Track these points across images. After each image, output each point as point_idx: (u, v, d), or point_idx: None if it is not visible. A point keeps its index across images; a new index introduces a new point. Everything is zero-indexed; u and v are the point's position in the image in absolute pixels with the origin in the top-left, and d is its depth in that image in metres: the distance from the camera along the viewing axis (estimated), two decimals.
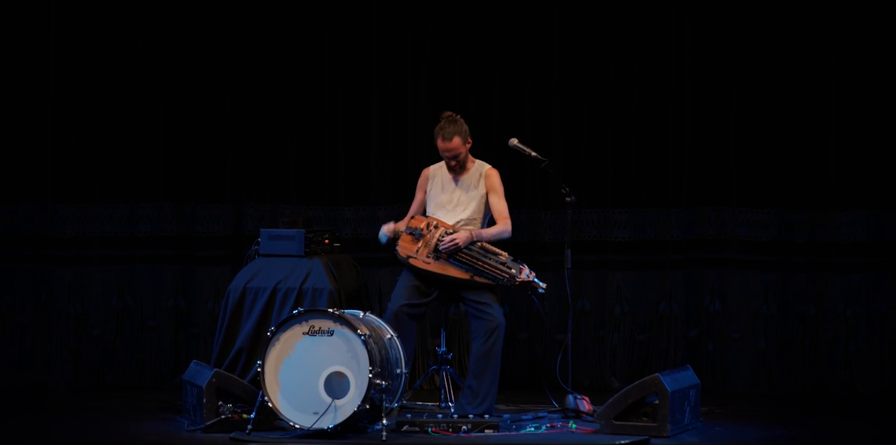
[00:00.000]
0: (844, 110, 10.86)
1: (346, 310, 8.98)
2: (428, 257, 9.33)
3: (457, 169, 9.46)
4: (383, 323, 9.11)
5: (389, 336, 9.03)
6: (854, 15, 10.82)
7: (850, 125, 10.87)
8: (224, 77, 11.06)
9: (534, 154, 9.73)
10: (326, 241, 10.03)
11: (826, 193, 10.89)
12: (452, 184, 9.50)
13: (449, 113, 9.43)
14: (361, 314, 9.07)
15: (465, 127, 9.38)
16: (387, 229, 9.48)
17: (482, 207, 9.45)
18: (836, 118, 10.87)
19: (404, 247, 9.38)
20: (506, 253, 9.31)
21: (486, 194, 9.46)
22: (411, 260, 9.34)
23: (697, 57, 10.96)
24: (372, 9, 11.05)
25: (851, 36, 10.83)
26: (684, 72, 10.98)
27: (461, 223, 9.41)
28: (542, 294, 9.38)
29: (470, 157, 9.49)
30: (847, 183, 10.88)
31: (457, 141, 9.33)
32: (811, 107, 10.89)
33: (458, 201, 9.47)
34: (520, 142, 9.80)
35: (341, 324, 8.80)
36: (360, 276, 10.23)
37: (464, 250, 9.27)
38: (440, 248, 9.27)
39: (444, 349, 9.76)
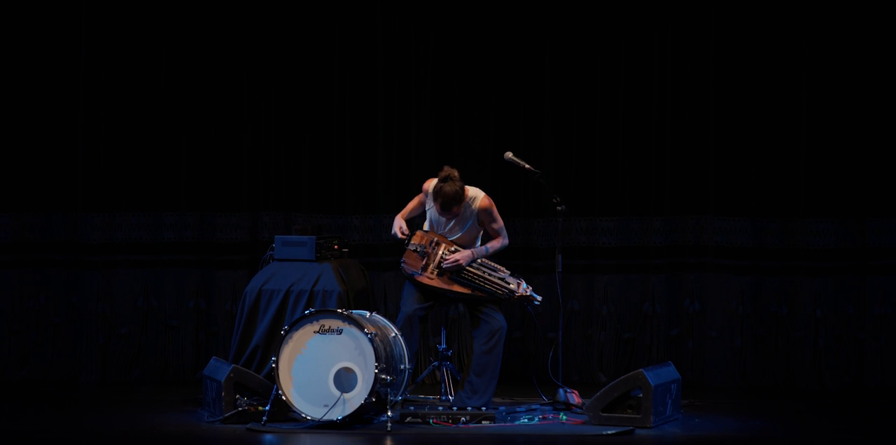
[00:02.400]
0: (814, 126, 10.87)
1: (353, 311, 8.98)
2: (432, 273, 9.30)
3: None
4: (388, 323, 9.11)
5: (394, 334, 9.03)
6: (823, 37, 10.82)
7: (818, 140, 10.87)
8: (241, 95, 11.06)
9: (527, 166, 9.73)
10: (336, 247, 10.03)
11: (797, 203, 10.90)
12: None
13: (447, 172, 9.13)
14: (368, 314, 9.07)
15: (460, 186, 9.09)
16: (399, 229, 9.34)
17: (475, 231, 9.37)
18: (806, 134, 10.88)
19: (409, 264, 9.34)
20: (504, 268, 9.31)
21: (482, 222, 9.36)
22: (416, 277, 9.31)
23: (678, 78, 10.97)
24: (378, 33, 11.05)
25: (821, 57, 10.83)
26: (666, 91, 10.98)
27: (458, 240, 9.35)
28: (536, 306, 9.38)
29: (464, 197, 9.27)
30: (816, 193, 10.88)
31: (454, 210, 9.19)
32: (783, 124, 10.90)
33: (453, 225, 9.37)
34: (514, 155, 9.80)
35: (349, 324, 8.80)
36: (367, 279, 10.22)
37: (466, 268, 9.26)
38: (443, 267, 9.25)
39: (444, 346, 9.76)
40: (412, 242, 9.32)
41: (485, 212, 9.29)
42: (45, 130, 11.02)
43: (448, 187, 9.09)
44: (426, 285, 9.28)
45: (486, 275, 9.24)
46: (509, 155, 9.81)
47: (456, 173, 9.14)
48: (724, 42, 10.90)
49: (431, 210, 9.37)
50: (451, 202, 9.13)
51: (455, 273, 9.23)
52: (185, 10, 11.00)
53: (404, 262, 9.34)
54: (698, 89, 10.95)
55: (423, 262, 9.30)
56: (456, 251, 9.27)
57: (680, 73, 10.96)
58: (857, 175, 10.84)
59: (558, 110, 11.06)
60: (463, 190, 9.14)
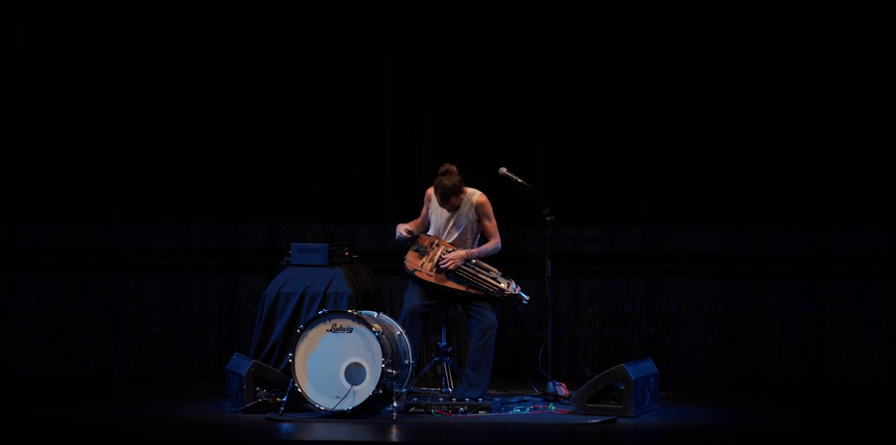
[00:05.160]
0: (779, 146, 10.88)
1: (362, 311, 8.99)
2: (431, 271, 9.31)
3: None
4: (394, 322, 9.11)
5: (399, 332, 9.03)
6: (790, 63, 10.84)
7: (783, 158, 10.88)
8: (262, 117, 11.07)
9: (519, 181, 9.74)
10: (346, 253, 10.04)
11: (763, 214, 10.90)
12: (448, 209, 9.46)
13: (446, 167, 9.24)
14: (376, 314, 9.07)
15: (459, 179, 9.20)
16: (403, 229, 9.43)
17: (473, 228, 9.42)
18: (772, 152, 10.88)
19: (411, 262, 9.37)
20: (496, 269, 9.32)
21: (478, 219, 9.42)
22: (417, 273, 9.33)
23: (656, 102, 10.97)
24: (384, 61, 11.07)
25: (786, 82, 10.85)
26: (645, 113, 10.99)
27: (455, 241, 9.40)
28: (525, 305, 9.38)
29: (462, 189, 9.42)
30: (781, 205, 10.89)
31: (453, 200, 9.27)
32: (752, 143, 10.91)
33: (452, 224, 9.42)
34: (508, 170, 9.81)
35: (359, 323, 8.80)
36: (375, 282, 10.23)
37: (461, 266, 9.27)
38: (440, 265, 9.26)
39: (444, 343, 9.77)
40: (416, 243, 9.35)
41: (482, 206, 9.33)
42: (84, 147, 11.02)
43: (447, 180, 9.17)
44: (425, 281, 9.29)
45: (478, 274, 9.25)
46: (503, 170, 9.82)
47: (454, 168, 9.23)
48: (698, 68, 10.91)
49: (434, 214, 9.39)
50: (449, 193, 9.17)
51: (451, 270, 9.24)
52: (213, 40, 11.01)
53: (406, 260, 9.37)
54: (674, 111, 10.96)
55: (423, 260, 9.32)
56: (453, 251, 9.29)
57: (658, 98, 10.97)
58: (818, 189, 10.84)
59: (548, 130, 11.06)
60: (461, 183, 9.21)
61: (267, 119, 11.09)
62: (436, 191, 9.22)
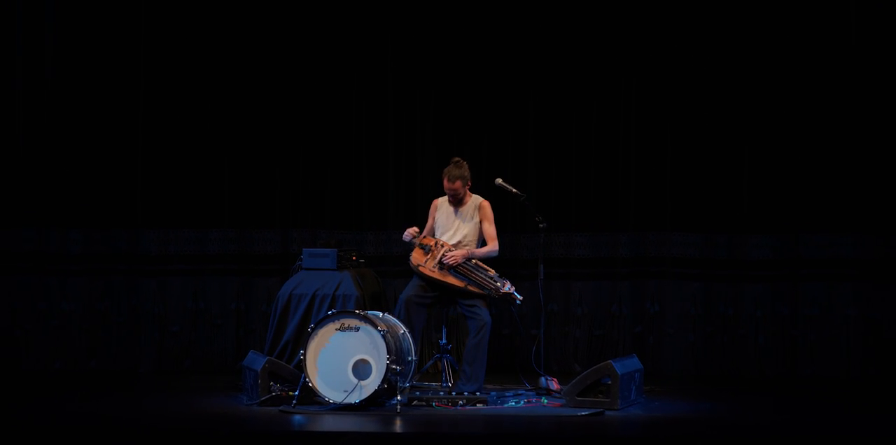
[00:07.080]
0: (755, 159, 10.89)
1: (369, 311, 9.02)
2: (434, 267, 9.40)
3: (456, 203, 9.54)
4: (398, 321, 9.15)
5: (402, 331, 9.08)
6: (764, 83, 10.89)
7: (759, 169, 10.90)
8: (274, 132, 11.13)
9: (514, 190, 9.80)
10: (354, 258, 10.08)
11: (740, 221, 10.94)
12: (453, 213, 9.57)
13: (457, 158, 9.49)
14: (381, 314, 9.11)
15: (468, 172, 9.43)
16: (411, 231, 9.54)
17: (476, 231, 9.52)
18: (749, 163, 10.90)
19: (416, 258, 9.46)
20: (493, 270, 9.37)
21: (480, 221, 9.53)
22: (420, 268, 9.40)
23: (641, 118, 11.00)
24: (388, 79, 11.11)
25: (762, 99, 10.90)
26: (631, 129, 11.03)
27: (459, 243, 9.50)
28: (518, 305, 9.43)
29: (468, 193, 9.56)
30: (757, 213, 10.92)
31: (458, 184, 9.39)
32: (730, 156, 10.92)
33: (458, 227, 9.53)
34: (503, 181, 9.88)
35: (365, 322, 8.85)
36: (380, 285, 10.25)
37: (461, 264, 9.35)
38: (443, 261, 9.35)
39: (444, 341, 9.80)
40: (422, 243, 9.45)
41: (485, 208, 9.48)
42: (111, 159, 11.06)
43: (455, 167, 9.40)
44: (428, 276, 9.37)
45: (477, 272, 9.32)
46: (499, 181, 9.89)
47: (464, 163, 9.41)
48: (680, 88, 10.94)
49: (440, 218, 9.51)
50: (456, 176, 9.34)
51: (452, 266, 9.33)
52: (231, 60, 11.06)
53: (412, 256, 9.45)
54: (658, 127, 10.98)
55: (427, 257, 9.40)
56: (456, 250, 9.40)
57: (642, 115, 10.98)
58: (791, 198, 10.88)
59: (540, 144, 11.09)
60: (468, 171, 9.41)
61: (280, 132, 11.14)
62: (444, 177, 9.37)
